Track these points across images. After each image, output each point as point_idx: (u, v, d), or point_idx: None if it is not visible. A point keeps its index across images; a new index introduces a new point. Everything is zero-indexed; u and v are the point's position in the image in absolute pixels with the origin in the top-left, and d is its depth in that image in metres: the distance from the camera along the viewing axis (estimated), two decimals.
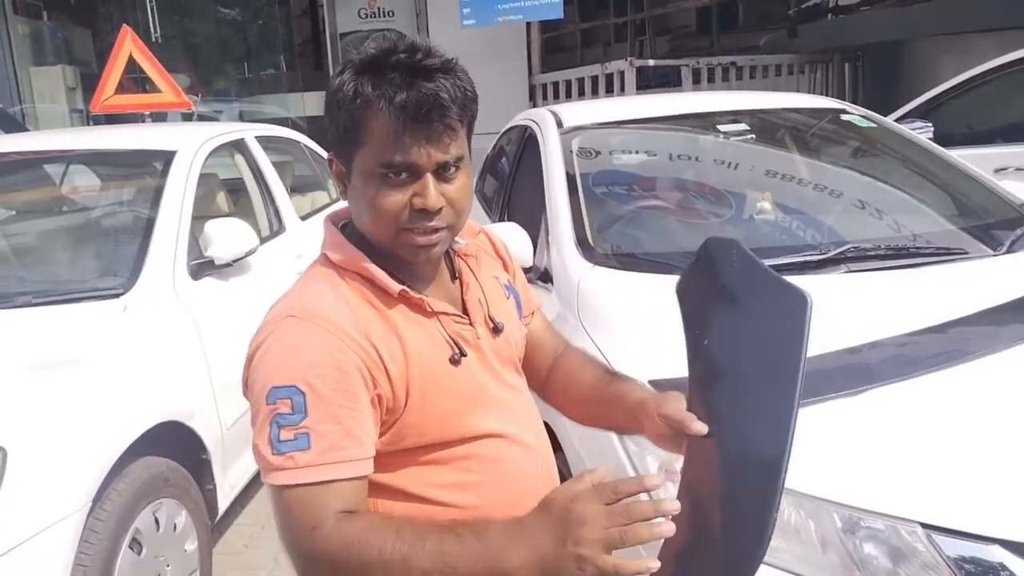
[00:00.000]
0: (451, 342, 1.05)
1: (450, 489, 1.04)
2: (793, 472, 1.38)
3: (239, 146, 3.63)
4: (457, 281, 1.13)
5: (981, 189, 2.55)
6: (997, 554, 1.27)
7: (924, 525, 1.30)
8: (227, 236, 2.81)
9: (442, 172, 0.98)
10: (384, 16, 7.72)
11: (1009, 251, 2.15)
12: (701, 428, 0.98)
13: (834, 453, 1.45)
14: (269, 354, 0.96)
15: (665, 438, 1.06)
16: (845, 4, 8.56)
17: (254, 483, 3.01)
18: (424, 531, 0.89)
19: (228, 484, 2.67)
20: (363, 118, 0.96)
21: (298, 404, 0.92)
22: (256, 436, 0.95)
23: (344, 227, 1.10)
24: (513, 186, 3.47)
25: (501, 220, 3.18)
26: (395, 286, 1.02)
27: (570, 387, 1.26)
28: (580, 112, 3.20)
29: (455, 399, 1.04)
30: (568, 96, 7.60)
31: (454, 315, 1.08)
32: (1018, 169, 3.79)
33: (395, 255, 1.03)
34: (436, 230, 0.99)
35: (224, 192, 3.52)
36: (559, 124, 2.87)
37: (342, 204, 1.12)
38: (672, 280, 1.11)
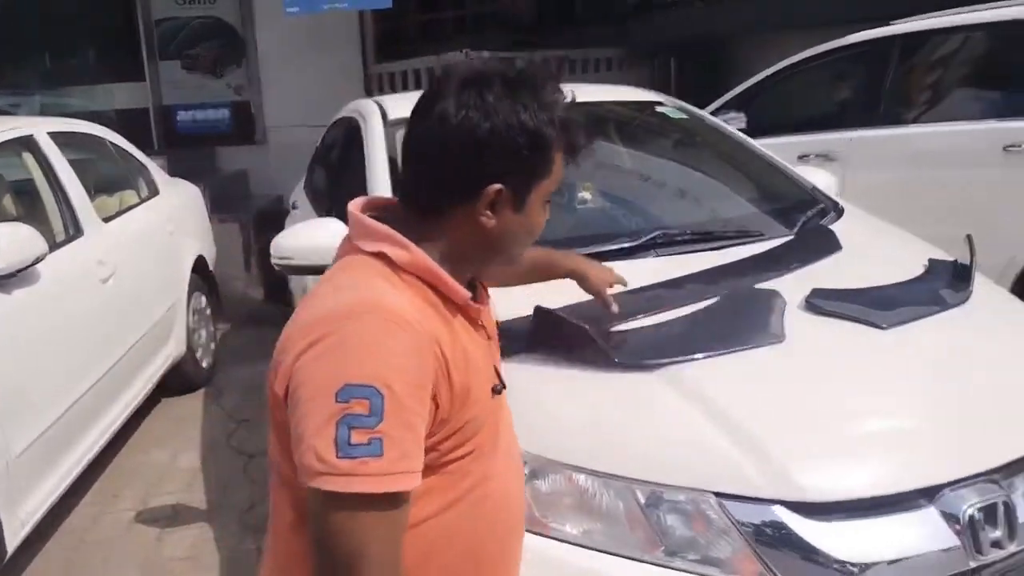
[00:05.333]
0: (496, 370, 1.04)
1: (437, 528, 0.97)
2: (598, 453, 1.42)
3: (28, 144, 3.26)
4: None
5: (779, 175, 2.72)
6: (779, 513, 1.37)
7: (716, 494, 1.39)
8: (9, 243, 2.53)
9: None
10: (204, 2, 7.24)
11: (800, 231, 2.29)
12: (615, 309, 1.66)
13: (636, 430, 1.50)
14: (342, 349, 0.87)
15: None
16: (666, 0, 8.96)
17: (51, 517, 2.73)
18: None
19: (19, 521, 2.40)
20: (555, 155, 0.99)
21: (376, 406, 0.84)
22: (313, 436, 0.85)
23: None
24: (339, 180, 3.33)
25: (328, 215, 3.06)
26: (464, 293, 0.98)
27: None
28: (407, 103, 3.11)
29: (485, 430, 1.00)
30: (405, 87, 7.49)
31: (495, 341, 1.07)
32: (818, 156, 4.10)
33: (477, 270, 1.04)
34: None
35: (9, 195, 3.15)
36: (384, 116, 2.79)
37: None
38: None
